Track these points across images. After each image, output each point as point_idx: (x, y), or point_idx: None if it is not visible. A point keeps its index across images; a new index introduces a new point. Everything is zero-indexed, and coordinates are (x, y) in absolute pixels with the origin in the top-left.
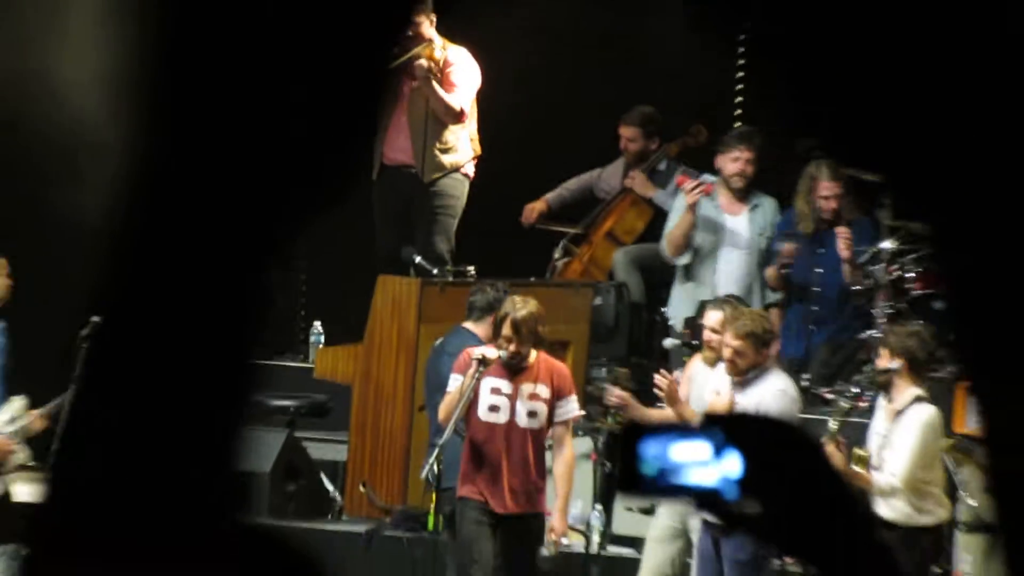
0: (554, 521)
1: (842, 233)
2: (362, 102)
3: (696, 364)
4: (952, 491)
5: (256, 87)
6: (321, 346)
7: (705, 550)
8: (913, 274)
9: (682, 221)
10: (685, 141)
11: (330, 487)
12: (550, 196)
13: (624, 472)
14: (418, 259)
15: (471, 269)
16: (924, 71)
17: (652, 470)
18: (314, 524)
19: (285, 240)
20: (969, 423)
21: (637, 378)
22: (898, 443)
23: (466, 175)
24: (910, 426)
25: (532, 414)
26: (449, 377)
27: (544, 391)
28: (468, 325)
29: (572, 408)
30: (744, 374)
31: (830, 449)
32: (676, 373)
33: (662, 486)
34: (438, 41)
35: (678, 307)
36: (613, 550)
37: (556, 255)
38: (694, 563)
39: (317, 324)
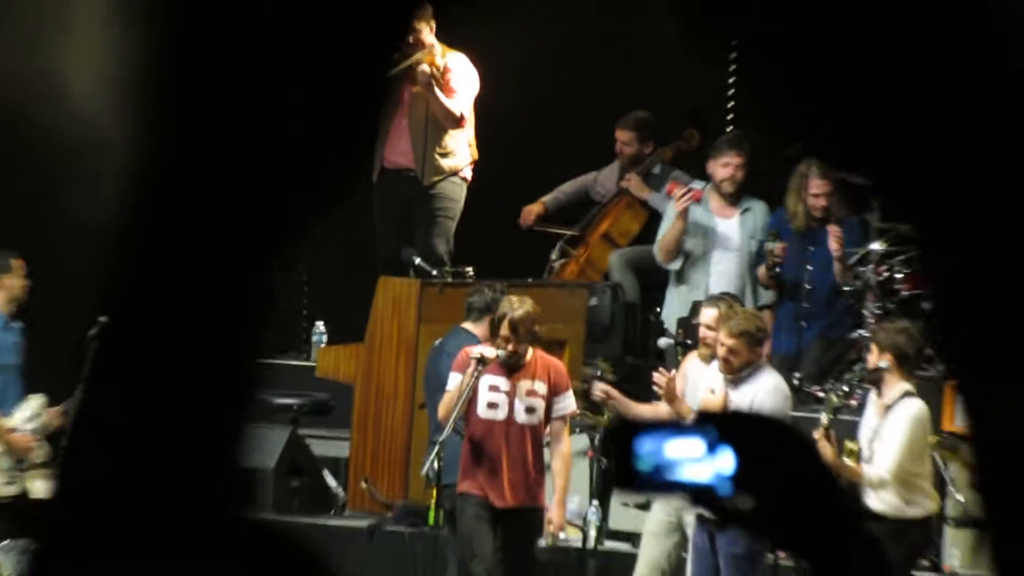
0: (552, 514)
1: (834, 231)
2: (363, 105)
3: (691, 361)
4: (941, 486)
5: (260, 88)
6: (323, 345)
7: (700, 545)
8: (902, 275)
9: (673, 228)
10: (679, 145)
11: (332, 483)
12: (547, 199)
13: (619, 469)
14: (418, 260)
15: (470, 270)
16: (911, 74)
17: (647, 466)
18: (317, 519)
19: (288, 241)
20: (958, 421)
21: (623, 373)
22: (887, 436)
23: (464, 179)
24: (899, 420)
25: (530, 410)
26: (448, 376)
27: (541, 388)
28: (467, 325)
29: (569, 404)
30: (738, 372)
31: (821, 442)
32: (672, 372)
33: (657, 482)
34: (438, 48)
35: (672, 310)
36: (610, 545)
37: (553, 256)
38: (689, 557)
39: (319, 324)
